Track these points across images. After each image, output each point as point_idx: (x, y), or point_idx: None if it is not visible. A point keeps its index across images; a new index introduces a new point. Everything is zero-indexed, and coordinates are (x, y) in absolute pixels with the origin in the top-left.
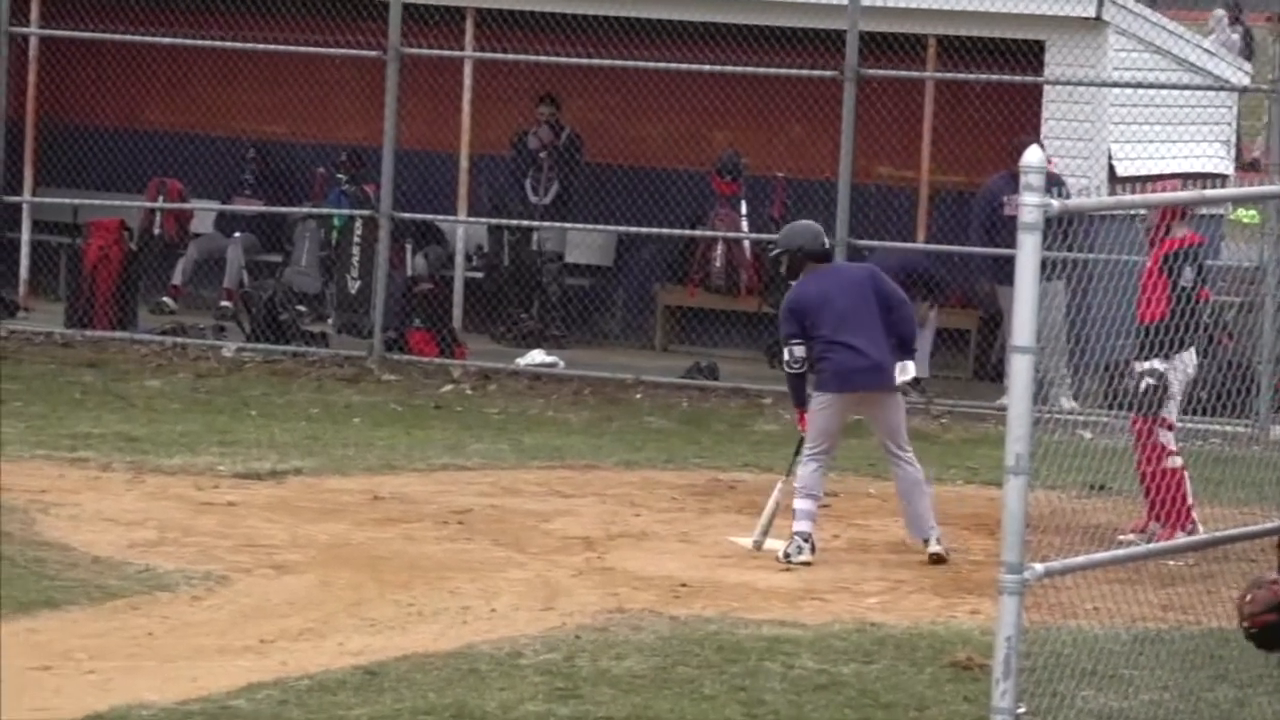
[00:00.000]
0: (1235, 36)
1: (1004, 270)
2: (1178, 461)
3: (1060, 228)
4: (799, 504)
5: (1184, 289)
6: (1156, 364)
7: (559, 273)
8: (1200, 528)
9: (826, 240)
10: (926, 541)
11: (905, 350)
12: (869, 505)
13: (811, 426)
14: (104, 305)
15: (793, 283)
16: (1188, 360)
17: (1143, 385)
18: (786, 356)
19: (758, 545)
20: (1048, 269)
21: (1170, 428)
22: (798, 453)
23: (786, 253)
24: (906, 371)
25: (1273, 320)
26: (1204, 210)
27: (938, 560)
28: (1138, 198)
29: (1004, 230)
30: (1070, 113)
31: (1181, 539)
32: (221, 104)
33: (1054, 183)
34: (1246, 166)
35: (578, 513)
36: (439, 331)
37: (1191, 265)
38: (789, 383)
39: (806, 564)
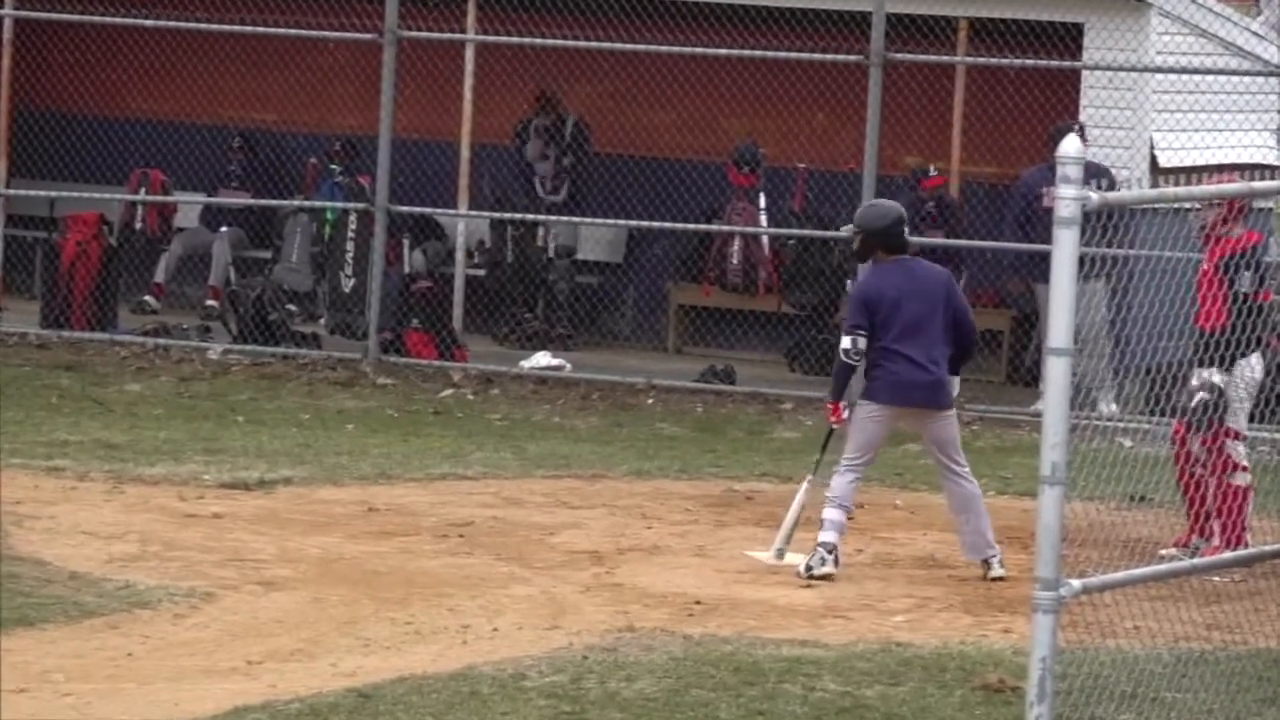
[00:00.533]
0: None
1: (1040, 268)
2: (1246, 478)
3: (1101, 222)
4: (828, 513)
5: (1245, 295)
6: (1214, 377)
7: (569, 270)
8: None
9: (905, 228)
10: (987, 564)
11: (955, 366)
12: (895, 518)
13: (855, 436)
14: (82, 304)
15: (861, 265)
16: (1254, 364)
17: (1195, 400)
18: (847, 344)
19: (779, 554)
20: (1086, 266)
21: (1240, 438)
22: (825, 448)
23: (860, 232)
24: (953, 387)
25: None
26: (1254, 203)
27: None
28: (1182, 190)
29: (1040, 225)
30: (1110, 100)
31: (1228, 554)
32: (207, 90)
33: (1098, 174)
34: None
35: (585, 525)
36: (438, 332)
37: (1250, 268)
38: (837, 372)
39: (828, 576)
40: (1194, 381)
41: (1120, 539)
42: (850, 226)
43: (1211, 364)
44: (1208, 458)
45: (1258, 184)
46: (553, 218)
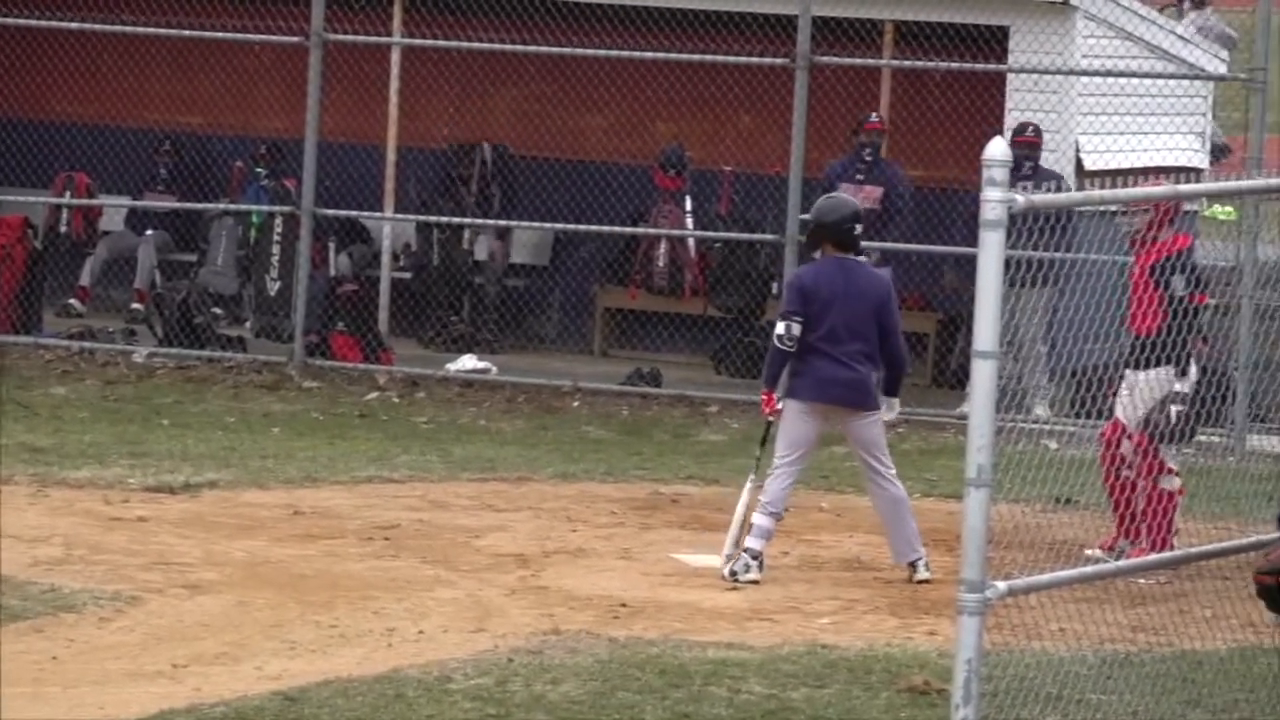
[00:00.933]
0: (1214, 20)
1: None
2: (1176, 482)
3: (1051, 224)
4: (757, 519)
5: (1180, 299)
6: (1179, 386)
7: (500, 274)
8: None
9: (858, 227)
10: (913, 567)
11: (891, 386)
12: (821, 520)
13: (784, 435)
14: (6, 308)
15: (814, 255)
16: (1189, 369)
17: (1173, 414)
18: (781, 330)
19: (731, 570)
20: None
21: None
22: (763, 444)
23: (812, 224)
24: (892, 409)
25: (1250, 324)
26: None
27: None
28: (1108, 193)
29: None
30: (1036, 103)
31: (1153, 556)
32: (133, 94)
33: (1050, 178)
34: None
35: (511, 528)
36: (363, 335)
37: (1182, 272)
38: (770, 358)
39: (754, 583)
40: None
41: (1046, 541)
42: (804, 215)
43: (1144, 366)
44: (1138, 460)
45: (1183, 187)
46: (479, 220)
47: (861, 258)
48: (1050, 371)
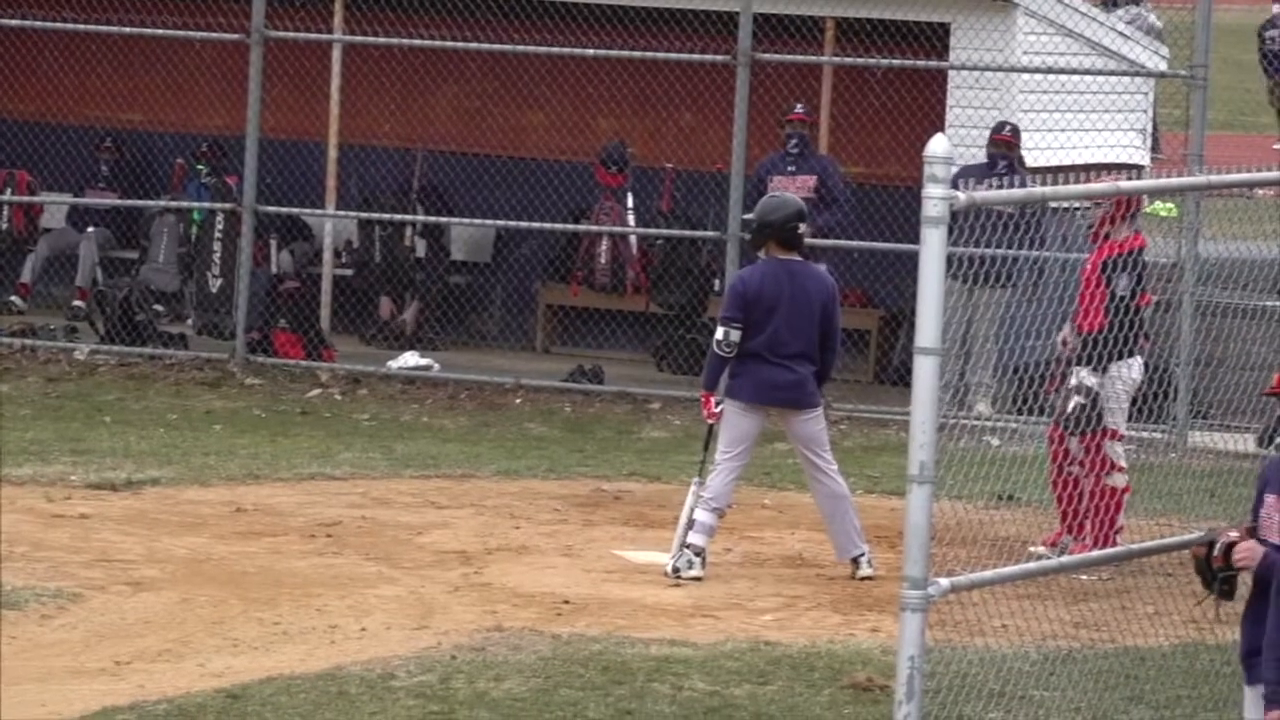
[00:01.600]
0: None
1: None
2: (1123, 479)
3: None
4: (700, 515)
5: (1121, 298)
6: (1087, 379)
7: (443, 270)
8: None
9: (802, 226)
10: (856, 563)
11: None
12: (763, 517)
13: (726, 432)
14: None
15: (760, 255)
16: (1133, 366)
17: (1071, 405)
18: (720, 336)
19: (674, 566)
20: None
21: (1118, 439)
22: (706, 447)
23: (755, 224)
24: None
25: (1191, 320)
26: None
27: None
28: (1049, 190)
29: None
30: (977, 100)
31: (1095, 552)
32: (74, 90)
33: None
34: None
35: (454, 525)
36: (305, 332)
37: (1130, 272)
38: (710, 362)
39: (697, 579)
40: (1070, 383)
41: (988, 537)
42: (748, 215)
43: (1088, 363)
44: (1084, 456)
45: (1124, 183)
46: (420, 218)
47: (801, 258)
48: (994, 369)
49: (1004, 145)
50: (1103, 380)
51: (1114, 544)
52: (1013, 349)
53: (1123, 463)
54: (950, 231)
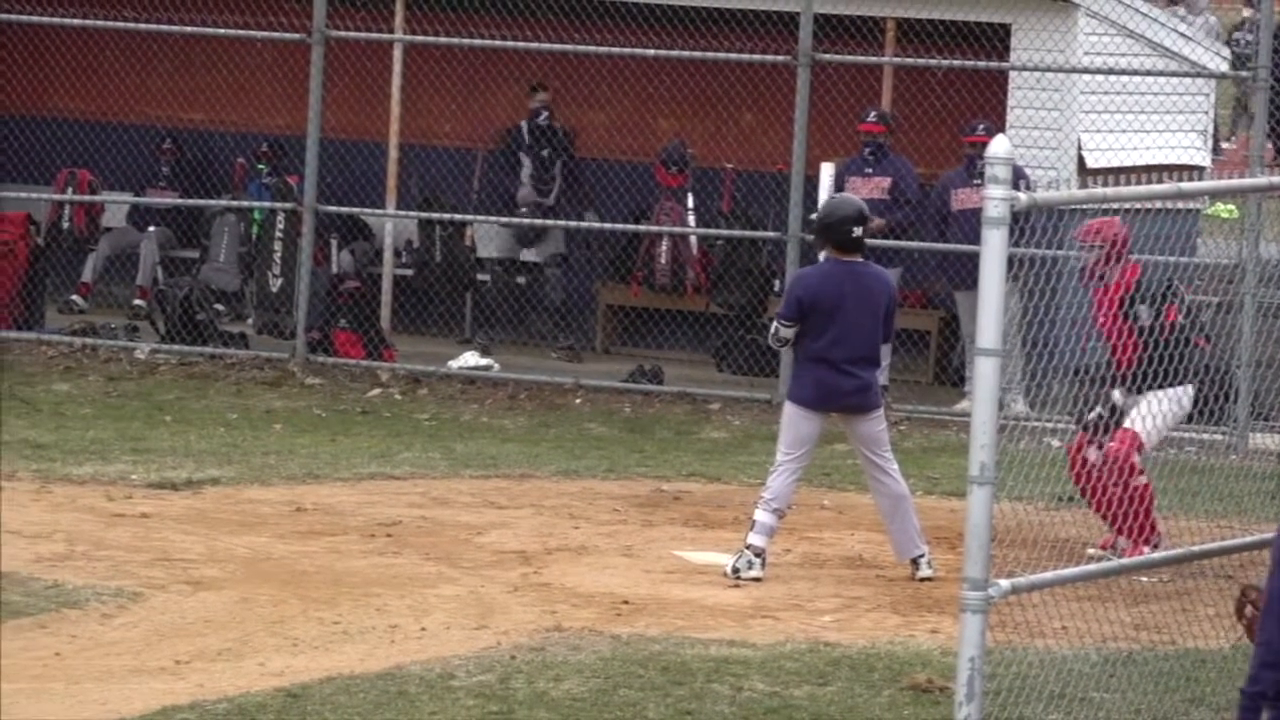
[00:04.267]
0: (1213, 19)
1: (958, 274)
2: (1143, 479)
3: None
4: (760, 515)
5: (1150, 327)
6: (1115, 394)
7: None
8: (1166, 539)
9: (858, 230)
10: (915, 564)
11: None
12: (823, 518)
13: (787, 433)
14: (8, 304)
15: (821, 255)
16: (1183, 396)
17: (1092, 414)
18: (774, 331)
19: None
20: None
21: (1141, 450)
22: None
23: (817, 225)
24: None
25: (1252, 322)
26: (1180, 204)
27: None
28: (1110, 191)
29: (955, 228)
30: (1038, 100)
31: (1156, 554)
32: (135, 90)
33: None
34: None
35: (513, 525)
36: (366, 332)
37: (1143, 302)
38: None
39: (757, 580)
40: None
41: (1048, 539)
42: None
43: (1142, 389)
44: (1107, 464)
45: (1186, 185)
46: (481, 218)
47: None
48: (1033, 370)
49: (974, 146)
50: (1134, 400)
51: (1159, 533)
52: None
53: (1142, 466)
54: (1010, 233)
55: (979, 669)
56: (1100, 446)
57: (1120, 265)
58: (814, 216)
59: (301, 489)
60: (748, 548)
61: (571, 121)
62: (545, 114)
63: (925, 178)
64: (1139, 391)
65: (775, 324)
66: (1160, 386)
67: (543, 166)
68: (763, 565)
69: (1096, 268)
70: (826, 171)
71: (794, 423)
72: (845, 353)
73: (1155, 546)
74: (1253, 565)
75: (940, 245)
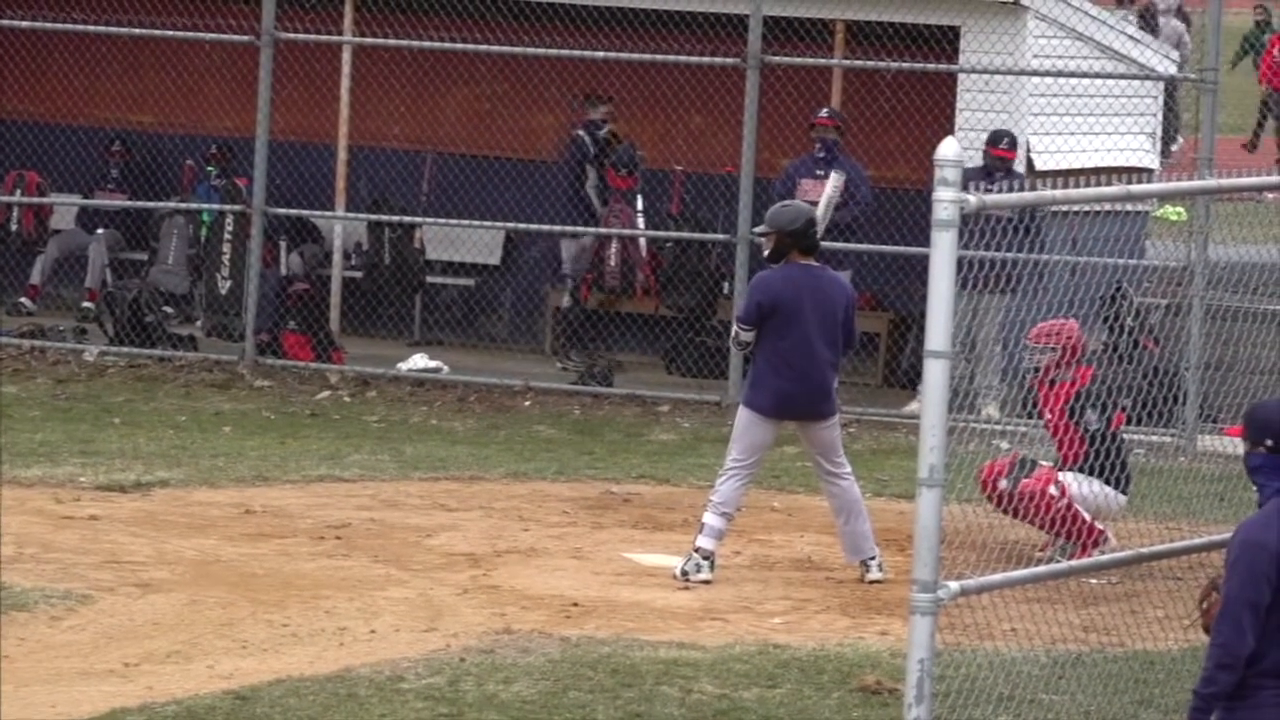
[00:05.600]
0: (1176, 23)
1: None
2: (1063, 501)
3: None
4: (708, 519)
5: (1097, 430)
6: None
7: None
8: (1112, 537)
9: (816, 231)
10: (865, 566)
11: None
12: (773, 520)
13: (740, 439)
14: None
15: (772, 265)
16: (1114, 497)
17: (1003, 483)
18: (734, 335)
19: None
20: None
21: (1056, 484)
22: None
23: (774, 233)
24: None
25: (1201, 324)
26: (1129, 207)
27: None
28: (1060, 193)
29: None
30: (986, 103)
31: (1105, 556)
32: (83, 92)
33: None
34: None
35: (463, 527)
36: (315, 334)
37: (1093, 407)
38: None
39: (706, 582)
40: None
41: (997, 541)
42: (763, 227)
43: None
44: (1022, 499)
45: (1134, 187)
46: (430, 220)
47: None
48: (1002, 372)
49: (1001, 160)
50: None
51: (1101, 533)
52: (1019, 353)
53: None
54: (959, 235)
55: (928, 671)
56: (1013, 481)
57: (1072, 370)
58: (761, 230)
59: (250, 491)
60: (696, 550)
61: (626, 131)
62: (606, 126)
63: (875, 180)
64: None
65: (735, 328)
66: (1107, 483)
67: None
68: (711, 568)
69: (1049, 370)
70: (834, 182)
71: (748, 429)
72: (804, 358)
73: (1099, 545)
74: (1201, 567)
75: (893, 248)
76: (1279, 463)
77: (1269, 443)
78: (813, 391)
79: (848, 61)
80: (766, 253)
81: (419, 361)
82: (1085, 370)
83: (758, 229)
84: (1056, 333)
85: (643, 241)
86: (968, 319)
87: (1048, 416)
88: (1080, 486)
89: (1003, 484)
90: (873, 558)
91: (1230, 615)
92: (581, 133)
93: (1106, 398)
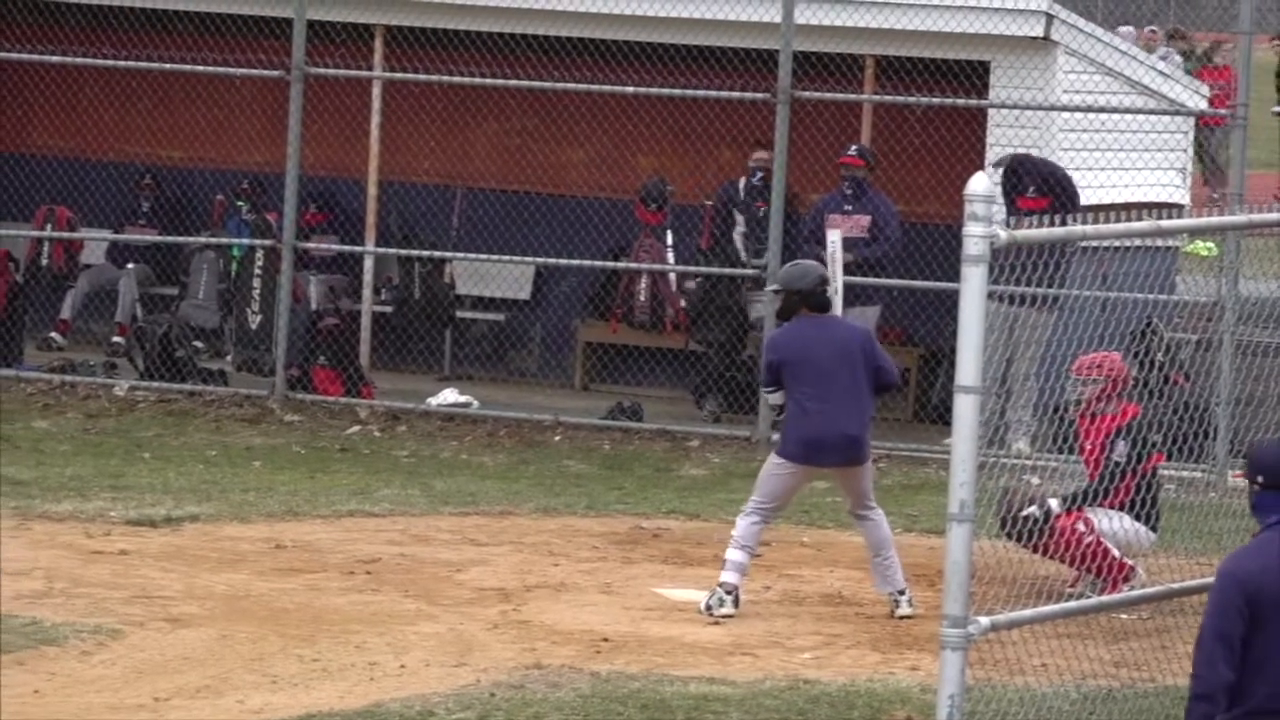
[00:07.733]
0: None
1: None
2: (1081, 527)
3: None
4: (730, 554)
5: (1117, 463)
6: (1053, 503)
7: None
8: (1142, 573)
9: (827, 289)
10: (895, 602)
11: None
12: (802, 555)
13: (765, 484)
14: None
15: (783, 324)
16: (1143, 533)
17: (1024, 513)
18: (766, 399)
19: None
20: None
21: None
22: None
23: (784, 292)
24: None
25: (1231, 359)
26: (1159, 242)
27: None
28: (1090, 228)
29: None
30: (1016, 138)
31: (1135, 591)
32: (114, 127)
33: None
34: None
35: (492, 562)
36: (345, 369)
37: (1127, 441)
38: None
39: (728, 617)
40: (1037, 492)
41: (1027, 576)
42: (776, 287)
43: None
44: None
45: (1165, 222)
46: (461, 255)
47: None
48: (1034, 407)
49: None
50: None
51: (1129, 568)
52: (1047, 387)
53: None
54: (990, 270)
55: (959, 706)
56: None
57: (1117, 403)
58: (782, 285)
59: (281, 526)
60: (720, 585)
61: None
62: (760, 174)
63: (905, 215)
64: (1072, 504)
65: (764, 391)
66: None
67: (757, 224)
68: (735, 602)
69: (1092, 403)
70: (833, 237)
71: (773, 475)
72: (824, 403)
73: (1129, 580)
74: None
75: (923, 283)
76: (1270, 499)
77: (1261, 479)
78: (841, 439)
79: (878, 97)
80: (777, 309)
81: (449, 396)
82: (1131, 407)
83: (773, 287)
84: (1100, 365)
85: (672, 276)
86: (1001, 353)
87: (1087, 449)
88: (1108, 523)
89: (1030, 510)
90: (902, 592)
91: (1203, 647)
92: (740, 180)
93: (1147, 431)
